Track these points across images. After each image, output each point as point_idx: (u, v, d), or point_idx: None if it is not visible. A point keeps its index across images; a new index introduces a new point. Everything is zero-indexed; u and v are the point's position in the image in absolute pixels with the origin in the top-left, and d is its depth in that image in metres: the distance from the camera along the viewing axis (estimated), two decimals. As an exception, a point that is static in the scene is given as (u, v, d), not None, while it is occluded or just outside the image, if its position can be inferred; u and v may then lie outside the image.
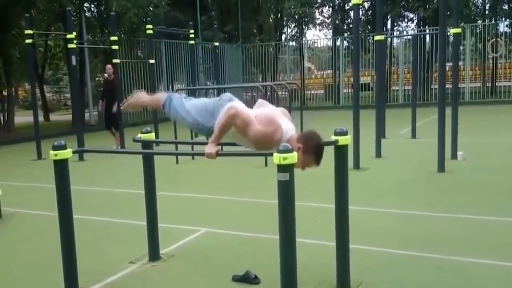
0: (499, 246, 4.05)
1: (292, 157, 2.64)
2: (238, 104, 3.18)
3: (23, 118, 19.31)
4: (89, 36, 20.16)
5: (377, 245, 4.15)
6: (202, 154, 3.09)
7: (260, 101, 3.49)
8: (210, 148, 3.05)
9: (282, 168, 2.65)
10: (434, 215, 4.99)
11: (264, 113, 3.13)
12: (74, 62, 10.47)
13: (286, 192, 2.70)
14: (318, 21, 29.81)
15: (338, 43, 24.14)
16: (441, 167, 7.06)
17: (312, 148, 2.98)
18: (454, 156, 7.87)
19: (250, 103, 3.44)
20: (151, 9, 19.53)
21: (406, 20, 27.77)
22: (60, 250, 3.25)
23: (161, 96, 3.50)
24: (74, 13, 18.05)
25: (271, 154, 2.69)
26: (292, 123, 3.19)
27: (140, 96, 3.57)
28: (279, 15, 29.19)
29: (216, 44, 16.48)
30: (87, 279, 3.52)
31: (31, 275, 3.93)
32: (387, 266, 3.72)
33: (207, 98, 3.50)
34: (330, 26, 29.15)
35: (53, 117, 24.08)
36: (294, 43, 28.27)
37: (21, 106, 33.40)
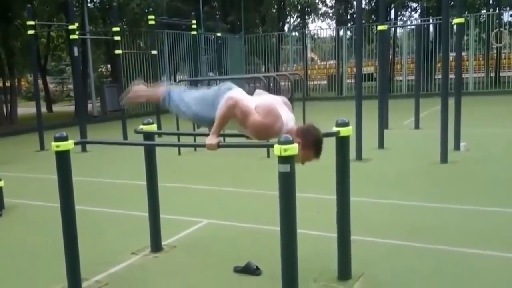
0: (502, 237, 4.04)
1: (293, 149, 2.63)
2: (238, 94, 3.15)
3: (26, 109, 19.29)
4: (92, 27, 20.10)
5: (379, 236, 4.15)
6: (204, 146, 3.07)
7: (258, 91, 3.46)
8: (211, 140, 3.03)
9: (283, 159, 2.64)
10: (436, 206, 4.98)
11: (264, 103, 3.09)
12: (76, 53, 10.48)
13: (287, 184, 2.69)
14: (321, 11, 29.71)
15: (341, 33, 24.02)
16: (444, 158, 7.04)
17: (311, 143, 2.96)
18: (457, 147, 7.85)
19: (252, 94, 3.41)
20: (153, -1, 19.44)
21: (409, 10, 27.67)
22: (62, 241, 3.26)
23: (160, 90, 3.42)
24: (76, 4, 18.03)
25: (273, 146, 2.67)
26: (292, 113, 3.16)
27: (139, 92, 3.48)
28: (282, 5, 29.04)
29: (219, 34, 16.42)
30: (90, 270, 3.54)
31: (33, 266, 3.95)
32: (388, 257, 3.72)
33: (207, 88, 3.44)
34: (333, 16, 29.03)
35: (56, 108, 24.09)
36: (297, 34, 28.16)
37: (23, 97, 33.37)
